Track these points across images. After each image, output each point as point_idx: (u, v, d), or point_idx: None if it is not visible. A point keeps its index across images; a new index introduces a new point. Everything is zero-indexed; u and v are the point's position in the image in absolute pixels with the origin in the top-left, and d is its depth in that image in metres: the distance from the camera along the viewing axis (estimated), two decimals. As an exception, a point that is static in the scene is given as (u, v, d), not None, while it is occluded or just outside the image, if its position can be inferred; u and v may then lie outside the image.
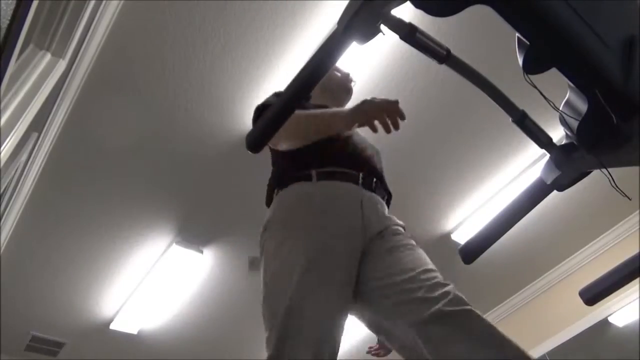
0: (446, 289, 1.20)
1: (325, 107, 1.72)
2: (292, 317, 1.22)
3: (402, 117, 1.34)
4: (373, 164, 1.56)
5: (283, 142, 1.49)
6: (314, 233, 1.34)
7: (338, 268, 1.30)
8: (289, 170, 1.50)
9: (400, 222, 1.49)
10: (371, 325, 1.34)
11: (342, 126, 1.43)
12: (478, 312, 1.16)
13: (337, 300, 1.27)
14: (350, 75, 1.86)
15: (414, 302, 1.20)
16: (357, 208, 1.41)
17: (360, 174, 1.48)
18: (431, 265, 1.32)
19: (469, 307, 1.16)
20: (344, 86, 1.83)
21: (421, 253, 1.38)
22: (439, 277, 1.27)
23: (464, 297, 1.19)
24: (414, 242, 1.42)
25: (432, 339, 1.13)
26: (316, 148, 1.47)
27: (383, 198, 1.53)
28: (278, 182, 1.51)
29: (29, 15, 1.59)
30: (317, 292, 1.25)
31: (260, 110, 1.61)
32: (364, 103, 1.37)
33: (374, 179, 1.52)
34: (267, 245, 1.41)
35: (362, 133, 1.73)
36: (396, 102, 1.34)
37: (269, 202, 1.53)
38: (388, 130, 1.34)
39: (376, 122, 1.33)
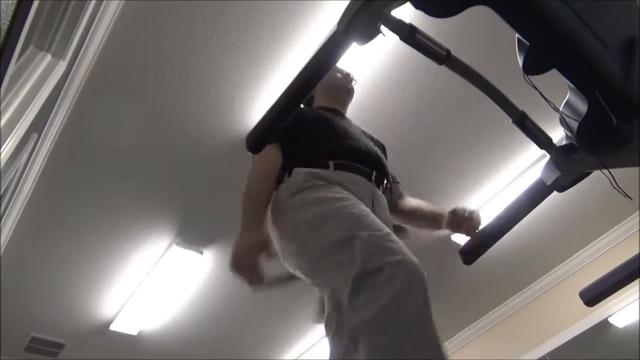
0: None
1: (328, 109, 1.73)
2: (367, 225, 1.22)
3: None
4: (384, 165, 1.58)
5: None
6: (342, 192, 1.36)
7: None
8: (303, 158, 1.49)
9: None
10: None
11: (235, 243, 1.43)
12: None
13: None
14: (351, 75, 1.86)
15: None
16: (369, 200, 1.43)
17: (373, 172, 1.49)
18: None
19: None
20: (344, 87, 1.83)
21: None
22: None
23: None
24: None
25: None
26: (332, 143, 1.50)
27: (387, 201, 1.55)
28: (290, 166, 1.48)
29: (29, 17, 1.59)
30: (370, 216, 1.28)
31: None
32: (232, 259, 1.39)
33: (384, 180, 1.54)
34: (282, 219, 1.39)
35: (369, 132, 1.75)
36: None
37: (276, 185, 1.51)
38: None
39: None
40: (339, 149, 1.49)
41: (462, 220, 1.53)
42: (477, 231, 1.47)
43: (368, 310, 1.06)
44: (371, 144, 1.62)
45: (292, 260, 1.37)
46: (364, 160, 1.50)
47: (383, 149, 1.75)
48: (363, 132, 1.73)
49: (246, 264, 1.34)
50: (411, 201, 1.74)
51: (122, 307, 4.04)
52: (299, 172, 1.44)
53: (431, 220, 1.66)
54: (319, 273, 1.28)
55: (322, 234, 1.26)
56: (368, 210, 1.32)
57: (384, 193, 1.52)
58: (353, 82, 1.86)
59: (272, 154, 1.47)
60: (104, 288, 3.88)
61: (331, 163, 1.45)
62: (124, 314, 4.08)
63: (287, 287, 1.50)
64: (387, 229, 1.25)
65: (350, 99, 1.87)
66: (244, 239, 1.37)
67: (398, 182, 1.77)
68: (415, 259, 1.15)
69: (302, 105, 1.61)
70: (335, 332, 1.14)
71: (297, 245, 1.34)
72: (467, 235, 1.49)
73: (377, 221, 1.27)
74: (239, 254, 1.36)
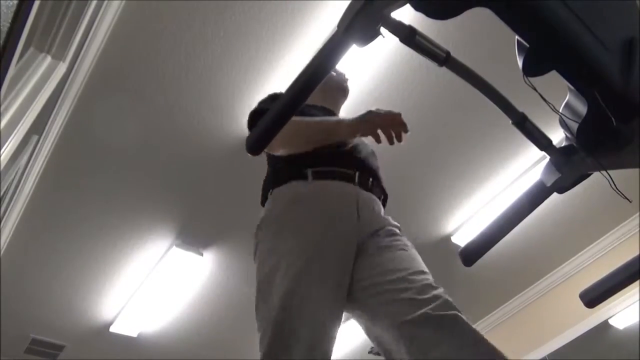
0: (436, 292, 1.20)
1: (322, 108, 1.72)
2: (286, 317, 1.21)
3: (406, 130, 1.35)
4: (369, 164, 1.55)
5: (281, 149, 1.48)
6: (309, 232, 1.33)
7: (333, 268, 1.29)
8: (284, 169, 1.49)
9: (396, 223, 1.48)
10: (362, 325, 1.34)
11: (346, 135, 1.44)
12: (465, 318, 1.16)
13: (332, 301, 1.27)
14: (345, 75, 1.86)
15: (402, 302, 1.19)
16: (352, 207, 1.40)
17: (357, 173, 1.47)
18: (423, 267, 1.32)
19: (457, 312, 1.16)
20: (339, 86, 1.83)
21: (414, 254, 1.38)
22: (429, 279, 1.27)
23: (453, 302, 1.19)
24: (408, 243, 1.42)
25: (416, 341, 1.12)
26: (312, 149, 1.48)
27: (379, 198, 1.53)
28: (273, 181, 1.50)
29: (30, 19, 1.59)
30: (312, 292, 1.24)
31: (255, 114, 1.60)
32: (370, 113, 1.37)
33: (370, 179, 1.51)
34: (261, 244, 1.40)
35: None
36: (400, 115, 1.34)
37: (263, 201, 1.52)
38: (391, 142, 1.36)
39: (380, 133, 1.33)
40: (319, 154, 1.46)
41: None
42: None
43: None
44: (360, 143, 1.59)
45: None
46: (346, 162, 1.47)
47: (373, 153, 1.72)
48: None
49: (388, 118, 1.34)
50: None
51: (122, 309, 4.03)
52: (279, 196, 1.45)
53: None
54: (256, 308, 1.33)
55: (262, 296, 1.31)
56: (300, 277, 1.28)
57: (371, 191, 1.49)
58: (347, 82, 1.85)
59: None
60: (104, 289, 3.88)
61: (309, 172, 1.43)
62: (124, 316, 4.08)
63: None
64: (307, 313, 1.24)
65: (345, 99, 1.86)
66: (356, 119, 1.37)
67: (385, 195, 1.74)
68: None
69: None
70: None
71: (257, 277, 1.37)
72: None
73: (301, 301, 1.25)
74: (379, 114, 1.36)
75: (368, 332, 1.32)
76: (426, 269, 1.32)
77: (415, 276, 1.26)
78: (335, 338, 1.26)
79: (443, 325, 1.13)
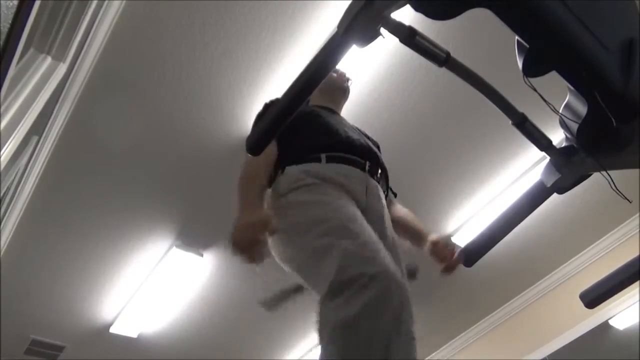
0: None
1: (325, 108, 1.74)
2: (349, 225, 1.22)
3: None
4: (377, 156, 1.59)
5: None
6: (339, 193, 1.37)
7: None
8: (297, 153, 1.51)
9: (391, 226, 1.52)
10: None
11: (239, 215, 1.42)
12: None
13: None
14: (346, 74, 1.87)
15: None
16: (362, 189, 1.44)
17: (367, 162, 1.51)
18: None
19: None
20: (340, 86, 1.84)
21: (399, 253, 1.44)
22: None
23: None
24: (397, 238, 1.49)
25: None
26: (324, 137, 1.52)
27: (384, 192, 1.56)
28: (285, 161, 1.51)
29: (30, 20, 1.59)
30: (359, 220, 1.28)
31: (261, 116, 1.63)
32: (237, 233, 1.35)
33: (379, 170, 1.55)
34: (293, 204, 1.39)
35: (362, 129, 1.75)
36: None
37: (270, 183, 1.52)
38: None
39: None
40: (331, 141, 1.51)
41: (444, 253, 1.58)
42: (451, 266, 1.53)
43: (332, 318, 1.10)
44: (364, 138, 1.64)
45: (283, 263, 1.38)
46: (357, 151, 1.51)
47: (377, 145, 1.77)
48: (358, 129, 1.75)
49: (246, 241, 1.32)
50: (398, 210, 1.75)
51: (122, 310, 4.03)
52: (291, 171, 1.46)
53: (412, 237, 1.70)
54: (306, 277, 1.30)
55: (306, 241, 1.28)
56: (356, 213, 1.32)
57: (379, 183, 1.53)
58: (349, 82, 1.86)
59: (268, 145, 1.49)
60: (104, 290, 3.88)
61: (323, 156, 1.46)
62: (124, 317, 4.07)
63: (296, 298, 1.49)
64: (372, 237, 1.25)
65: (346, 99, 1.87)
66: (243, 218, 1.37)
67: (393, 194, 1.77)
68: (394, 272, 1.15)
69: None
70: (317, 330, 1.17)
71: (287, 249, 1.35)
72: (442, 266, 1.55)
73: (363, 227, 1.27)
74: (239, 231, 1.34)
75: None
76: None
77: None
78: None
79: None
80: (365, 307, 1.07)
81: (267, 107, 1.64)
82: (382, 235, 1.39)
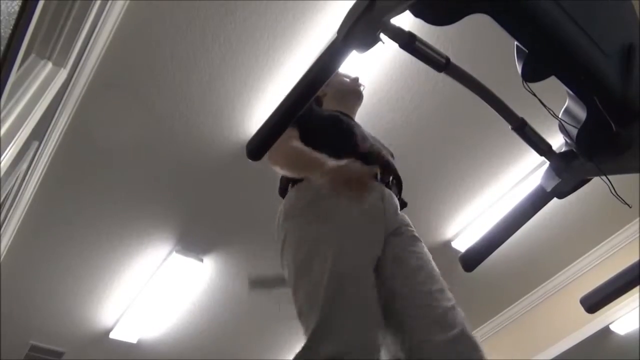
0: (458, 319, 1.24)
1: (340, 113, 1.72)
2: (339, 286, 1.21)
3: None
4: (391, 164, 1.58)
5: (276, 167, 1.48)
6: (344, 216, 1.35)
7: (369, 252, 1.32)
8: None
9: (410, 222, 1.51)
10: None
11: (317, 176, 1.38)
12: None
13: (372, 280, 1.28)
14: (359, 79, 1.87)
15: (425, 321, 1.22)
16: (379, 201, 1.43)
17: (380, 171, 1.50)
18: (444, 283, 1.35)
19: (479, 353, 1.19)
20: (353, 91, 1.84)
21: (433, 266, 1.41)
22: (451, 300, 1.30)
23: (473, 337, 1.23)
24: (426, 251, 1.46)
25: None
26: (336, 142, 1.50)
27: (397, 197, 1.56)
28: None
29: (31, 25, 1.59)
30: (357, 268, 1.26)
31: None
32: (346, 167, 1.33)
33: (392, 177, 1.55)
34: (293, 231, 1.38)
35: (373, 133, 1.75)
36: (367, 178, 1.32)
37: (283, 192, 1.52)
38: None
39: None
40: (348, 149, 1.49)
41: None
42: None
43: None
44: (380, 145, 1.64)
45: (285, 270, 1.38)
46: (370, 160, 1.49)
47: (391, 154, 1.75)
48: (372, 136, 1.73)
49: (357, 174, 1.28)
50: None
51: (122, 315, 4.02)
52: (304, 186, 1.43)
53: None
54: (296, 291, 1.30)
55: (305, 274, 1.29)
56: (364, 235, 1.31)
57: (391, 190, 1.52)
58: (362, 87, 1.86)
59: (294, 137, 1.47)
60: (104, 296, 3.87)
61: None
62: (124, 322, 4.06)
63: (273, 289, 1.48)
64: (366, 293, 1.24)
65: (359, 104, 1.87)
66: (334, 165, 1.30)
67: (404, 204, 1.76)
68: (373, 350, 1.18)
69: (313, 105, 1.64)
70: None
71: (286, 260, 1.36)
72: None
73: (359, 279, 1.26)
74: (345, 168, 1.28)
75: None
76: (445, 285, 1.35)
77: (440, 295, 1.29)
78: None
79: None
80: None
81: None
82: (405, 248, 1.38)
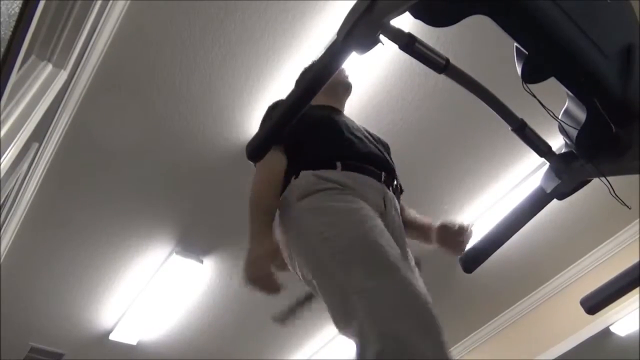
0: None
1: (327, 107, 1.70)
2: (373, 244, 1.19)
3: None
4: (392, 167, 1.56)
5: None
6: (361, 200, 1.33)
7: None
8: (309, 158, 1.45)
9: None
10: None
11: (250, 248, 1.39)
12: None
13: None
14: (346, 70, 1.82)
15: None
16: (380, 200, 1.41)
17: (383, 173, 1.47)
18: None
19: None
20: (342, 81, 1.80)
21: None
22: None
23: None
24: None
25: None
26: (339, 143, 1.48)
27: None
28: (296, 169, 1.45)
29: (31, 27, 1.60)
30: (385, 235, 1.25)
31: (272, 109, 1.61)
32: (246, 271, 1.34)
33: (394, 181, 1.52)
34: (307, 212, 1.34)
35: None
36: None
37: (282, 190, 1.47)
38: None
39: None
40: (346, 149, 1.47)
41: (450, 236, 1.54)
42: (463, 249, 1.48)
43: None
44: (377, 145, 1.60)
45: (298, 269, 1.35)
46: (372, 162, 1.47)
47: (387, 148, 1.73)
48: (366, 130, 1.70)
49: (259, 276, 1.31)
50: (409, 212, 1.72)
51: (122, 317, 4.02)
52: (307, 174, 1.40)
53: (422, 233, 1.66)
54: (324, 285, 1.26)
55: (328, 250, 1.24)
56: (379, 224, 1.29)
57: (394, 194, 1.49)
58: (348, 77, 1.82)
59: (275, 159, 1.43)
60: (104, 297, 3.87)
61: (339, 164, 1.41)
62: (124, 324, 4.06)
63: (307, 309, 1.47)
64: (396, 249, 1.23)
65: (348, 94, 1.83)
66: (253, 251, 1.34)
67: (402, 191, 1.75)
68: (418, 286, 1.15)
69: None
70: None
71: (301, 252, 1.33)
72: (453, 252, 1.50)
73: (387, 241, 1.24)
74: (251, 267, 1.32)
75: None
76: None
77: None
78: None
79: None
80: None
81: (272, 109, 1.63)
82: (403, 251, 1.36)
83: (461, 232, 1.51)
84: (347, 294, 1.14)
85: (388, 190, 1.46)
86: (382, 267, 1.16)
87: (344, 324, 1.17)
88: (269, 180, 1.43)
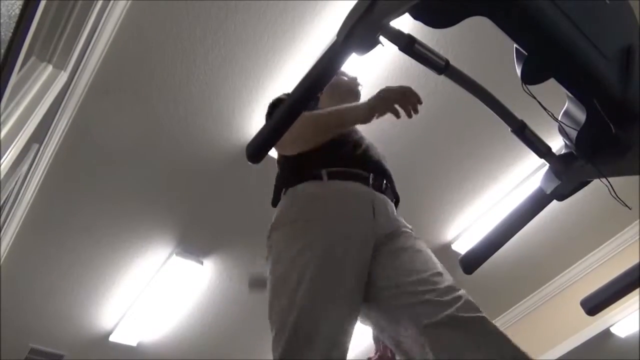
0: (458, 293, 1.21)
1: None
2: (302, 321, 1.19)
3: (420, 101, 1.38)
4: (382, 166, 1.54)
5: (293, 145, 1.46)
6: (325, 234, 1.32)
7: (349, 273, 1.28)
8: (297, 170, 1.47)
9: (409, 225, 1.48)
10: (376, 327, 1.33)
11: (361, 117, 1.41)
12: (489, 319, 1.16)
13: (347, 306, 1.25)
14: (358, 79, 1.85)
15: (425, 304, 1.19)
16: (368, 209, 1.40)
17: (371, 175, 1.46)
18: (442, 269, 1.32)
19: (482, 314, 1.17)
20: (352, 90, 1.81)
21: (431, 255, 1.37)
22: (450, 280, 1.27)
23: (475, 303, 1.19)
24: (423, 244, 1.41)
25: (442, 343, 1.12)
26: (325, 149, 1.46)
27: (392, 201, 1.52)
28: (286, 181, 1.48)
29: (32, 28, 1.60)
30: (327, 297, 1.23)
31: (273, 106, 1.61)
32: (382, 91, 1.38)
33: (384, 181, 1.50)
34: (275, 246, 1.38)
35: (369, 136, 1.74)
36: (410, 88, 1.37)
37: (275, 202, 1.50)
38: (409, 115, 1.38)
39: (397, 108, 1.36)
40: (333, 155, 1.46)
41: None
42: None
43: None
44: (372, 147, 1.60)
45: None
46: (361, 164, 1.47)
47: (382, 157, 1.74)
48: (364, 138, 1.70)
49: (401, 92, 1.36)
50: None
51: (122, 318, 4.02)
52: (290, 195, 1.43)
53: None
54: (271, 305, 1.30)
55: (276, 299, 1.28)
56: (325, 262, 1.28)
57: (384, 194, 1.48)
58: (360, 87, 1.85)
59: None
60: (104, 298, 3.87)
61: (324, 172, 1.42)
62: (124, 325, 4.06)
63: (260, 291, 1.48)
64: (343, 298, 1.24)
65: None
66: (368, 101, 1.38)
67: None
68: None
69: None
70: None
71: (272, 280, 1.35)
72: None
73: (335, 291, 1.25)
74: (391, 90, 1.37)
75: (381, 332, 1.31)
76: (445, 270, 1.32)
77: (435, 277, 1.26)
78: (349, 342, 1.25)
79: (471, 327, 1.14)
80: None
81: (274, 106, 1.62)
82: (397, 247, 1.36)
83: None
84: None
85: (377, 193, 1.44)
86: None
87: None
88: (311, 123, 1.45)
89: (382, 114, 1.38)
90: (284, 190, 1.47)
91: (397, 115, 1.38)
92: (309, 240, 1.31)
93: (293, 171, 1.48)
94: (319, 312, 1.21)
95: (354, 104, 1.44)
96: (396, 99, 1.36)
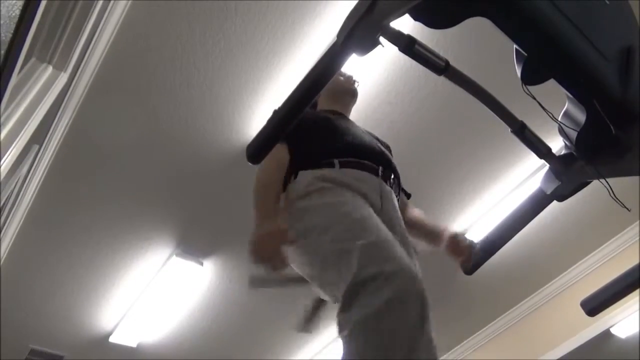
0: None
1: (332, 111, 1.74)
2: (371, 243, 1.20)
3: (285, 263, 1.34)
4: (390, 161, 1.59)
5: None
6: (355, 198, 1.36)
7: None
8: (310, 158, 1.49)
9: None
10: None
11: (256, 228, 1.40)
12: None
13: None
14: (353, 77, 1.87)
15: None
16: (377, 195, 1.43)
17: (380, 167, 1.50)
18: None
19: None
20: (348, 89, 1.84)
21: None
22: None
23: None
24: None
25: None
26: (336, 142, 1.51)
27: (396, 196, 1.56)
28: (298, 165, 1.49)
29: (32, 29, 1.60)
30: (379, 225, 1.27)
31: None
32: (255, 244, 1.34)
33: (392, 175, 1.54)
34: (305, 207, 1.39)
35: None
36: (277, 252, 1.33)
37: (283, 189, 1.51)
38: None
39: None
40: (343, 146, 1.50)
41: (460, 248, 1.57)
42: (469, 260, 1.51)
43: (356, 316, 1.10)
44: (376, 142, 1.64)
45: (297, 265, 1.38)
46: (369, 156, 1.50)
47: (388, 148, 1.76)
48: (369, 132, 1.75)
49: (267, 252, 1.31)
50: (414, 212, 1.75)
51: (122, 319, 4.01)
52: (305, 175, 1.45)
53: (430, 236, 1.69)
54: (322, 278, 1.30)
55: (325, 242, 1.27)
56: (372, 214, 1.32)
57: (392, 188, 1.52)
58: (356, 84, 1.87)
59: (280, 151, 1.48)
60: (104, 299, 3.87)
61: (336, 161, 1.45)
62: (124, 326, 4.05)
63: (292, 287, 1.48)
64: (388, 236, 1.25)
65: (354, 102, 1.88)
66: (262, 228, 1.35)
67: (407, 195, 1.76)
68: (413, 269, 1.16)
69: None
70: (339, 333, 1.16)
71: (303, 251, 1.35)
72: (459, 262, 1.54)
73: (379, 227, 1.27)
74: (259, 243, 1.33)
75: None
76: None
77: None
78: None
79: None
80: (386, 304, 1.07)
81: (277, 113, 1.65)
82: (401, 242, 1.37)
83: (469, 246, 1.54)
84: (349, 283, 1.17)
85: (384, 184, 1.48)
86: (378, 250, 1.19)
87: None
88: (277, 168, 1.47)
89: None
90: (294, 176, 1.48)
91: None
92: (345, 197, 1.35)
93: (305, 159, 1.50)
94: (384, 235, 1.23)
95: (269, 215, 1.40)
96: (262, 259, 1.33)
